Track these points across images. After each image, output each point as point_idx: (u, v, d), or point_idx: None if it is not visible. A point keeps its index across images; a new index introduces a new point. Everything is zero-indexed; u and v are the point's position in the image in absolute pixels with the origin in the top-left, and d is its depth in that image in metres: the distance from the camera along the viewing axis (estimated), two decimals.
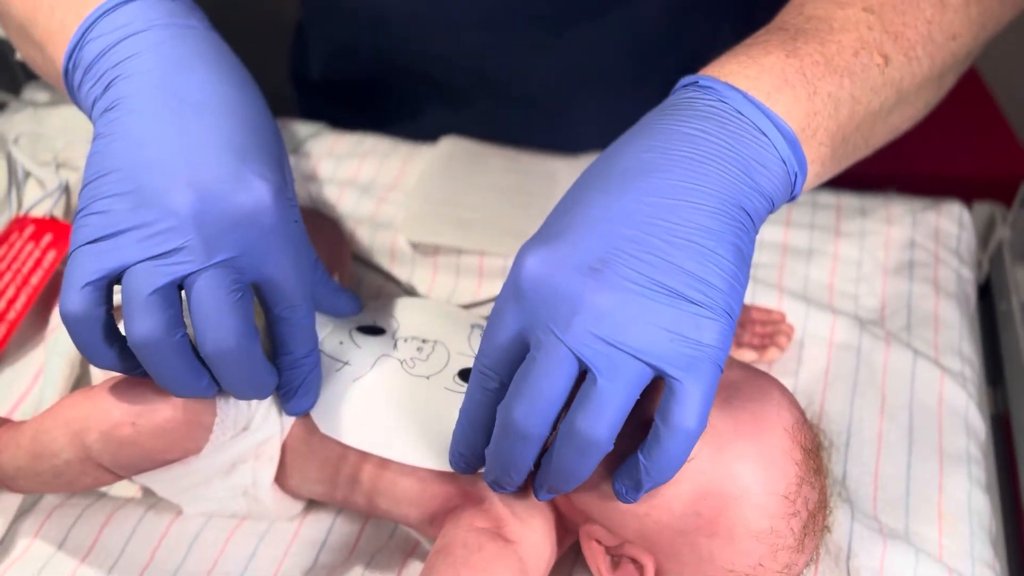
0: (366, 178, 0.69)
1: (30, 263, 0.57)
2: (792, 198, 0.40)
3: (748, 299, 0.57)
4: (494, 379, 0.37)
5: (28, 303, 0.55)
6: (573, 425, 0.34)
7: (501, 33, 0.67)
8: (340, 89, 0.80)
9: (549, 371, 0.34)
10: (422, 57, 0.72)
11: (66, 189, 0.64)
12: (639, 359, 0.34)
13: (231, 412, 0.42)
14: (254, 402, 0.43)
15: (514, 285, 0.36)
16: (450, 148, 0.70)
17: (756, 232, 0.38)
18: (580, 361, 0.34)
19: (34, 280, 0.57)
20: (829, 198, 0.66)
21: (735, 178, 0.37)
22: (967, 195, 0.69)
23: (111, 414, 0.40)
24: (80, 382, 0.52)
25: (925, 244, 0.62)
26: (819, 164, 0.41)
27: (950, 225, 0.64)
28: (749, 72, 0.39)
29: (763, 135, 0.38)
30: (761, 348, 0.53)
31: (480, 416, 0.38)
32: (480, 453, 0.39)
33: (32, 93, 0.76)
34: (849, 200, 0.66)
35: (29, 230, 0.59)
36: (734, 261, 0.35)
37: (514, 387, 0.35)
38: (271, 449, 0.44)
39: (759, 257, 0.62)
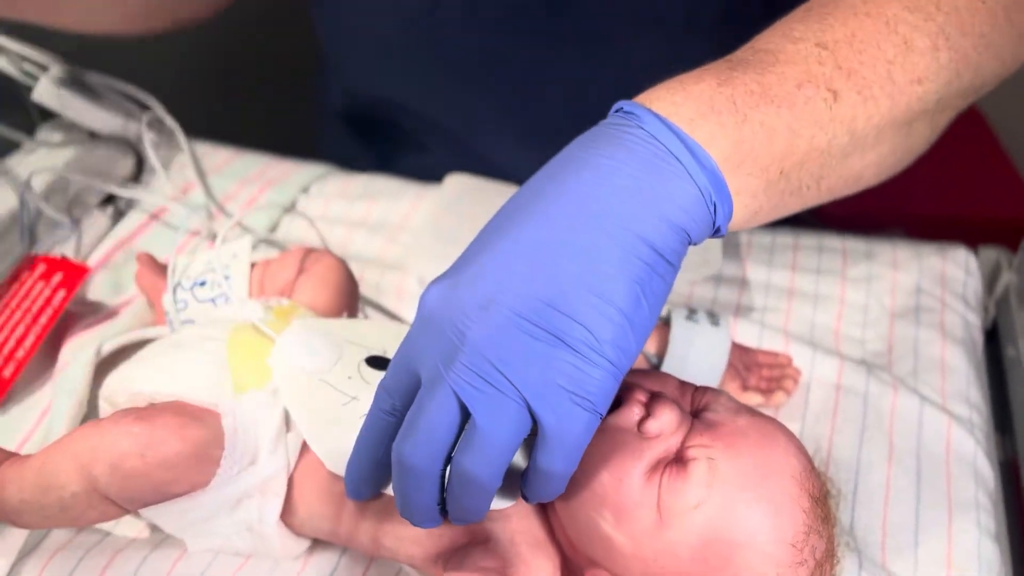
0: (375, 219, 0.69)
1: (40, 302, 0.58)
2: (717, 231, 0.38)
3: (755, 343, 0.57)
4: (388, 404, 0.37)
5: (36, 342, 0.56)
6: (458, 464, 0.34)
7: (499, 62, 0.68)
8: (356, 119, 0.81)
9: (433, 408, 0.34)
10: (428, 90, 0.73)
11: (78, 229, 0.65)
12: (515, 401, 0.34)
13: (239, 446, 0.42)
14: (261, 436, 0.43)
15: (417, 316, 0.36)
16: (456, 186, 0.70)
17: (674, 266, 0.36)
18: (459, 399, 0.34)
19: (43, 319, 0.57)
20: (835, 242, 0.66)
21: (639, 209, 0.35)
22: (972, 237, 0.69)
23: (119, 445, 0.40)
24: (87, 420, 0.52)
25: (931, 290, 0.62)
26: (749, 196, 0.39)
27: (956, 271, 0.64)
28: (675, 98, 0.38)
29: (677, 162, 0.36)
30: (767, 392, 0.53)
31: (372, 440, 0.38)
32: (370, 480, 0.39)
33: (47, 134, 0.77)
34: (855, 244, 0.66)
35: (40, 269, 0.60)
36: (629, 303, 0.34)
37: (406, 421, 0.36)
38: (278, 484, 0.44)
39: (766, 300, 0.62)
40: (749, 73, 0.39)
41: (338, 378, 0.44)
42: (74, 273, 0.60)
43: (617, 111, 0.39)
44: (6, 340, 0.56)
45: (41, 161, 0.73)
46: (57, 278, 0.59)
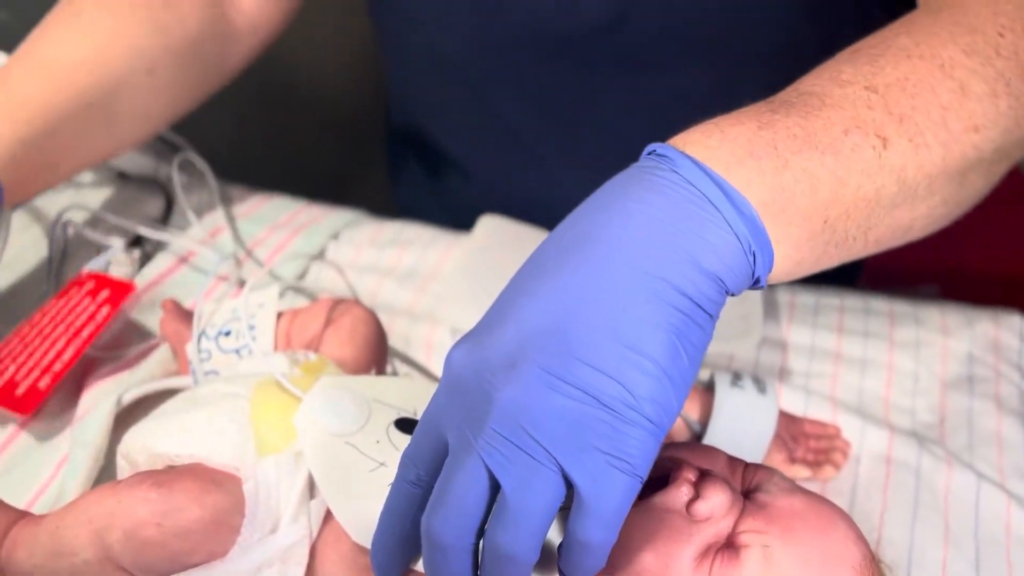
0: (406, 267, 0.67)
1: (83, 317, 0.57)
2: (756, 282, 0.36)
3: (800, 410, 0.55)
4: (413, 474, 0.34)
5: (75, 356, 0.55)
6: (491, 538, 0.32)
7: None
8: (410, 140, 0.80)
9: (462, 478, 0.32)
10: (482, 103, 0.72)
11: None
12: (548, 467, 0.31)
13: (260, 513, 0.40)
14: (283, 502, 0.41)
15: (443, 379, 0.34)
16: (489, 229, 0.69)
17: (712, 316, 0.33)
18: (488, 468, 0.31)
19: (84, 333, 0.56)
20: (881, 304, 0.64)
21: (673, 256, 0.33)
22: (1011, 297, 0.66)
23: (136, 512, 0.38)
24: (104, 474, 0.51)
25: (984, 357, 0.60)
26: (791, 246, 0.36)
27: (1010, 337, 0.61)
28: (711, 141, 0.36)
29: (713, 208, 0.34)
30: (816, 465, 0.51)
31: (399, 513, 0.35)
32: (398, 556, 0.36)
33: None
34: (902, 307, 0.63)
35: (88, 286, 0.59)
36: (665, 355, 0.31)
37: (434, 493, 0.33)
38: (299, 554, 0.41)
39: (810, 364, 0.59)
40: (792, 116, 0.37)
41: (365, 442, 0.42)
42: (120, 290, 0.59)
43: (650, 153, 0.37)
44: (46, 352, 0.55)
45: (70, 200, 0.72)
46: (104, 294, 0.59)
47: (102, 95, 0.59)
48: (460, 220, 0.74)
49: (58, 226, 0.67)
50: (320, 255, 0.68)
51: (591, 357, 0.31)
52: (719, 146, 0.35)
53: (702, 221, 0.33)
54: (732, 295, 0.35)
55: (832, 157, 0.37)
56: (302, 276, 0.66)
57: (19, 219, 0.68)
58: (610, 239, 0.33)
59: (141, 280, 0.66)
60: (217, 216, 0.71)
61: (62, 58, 0.59)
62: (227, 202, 0.73)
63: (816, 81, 0.40)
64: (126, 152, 0.67)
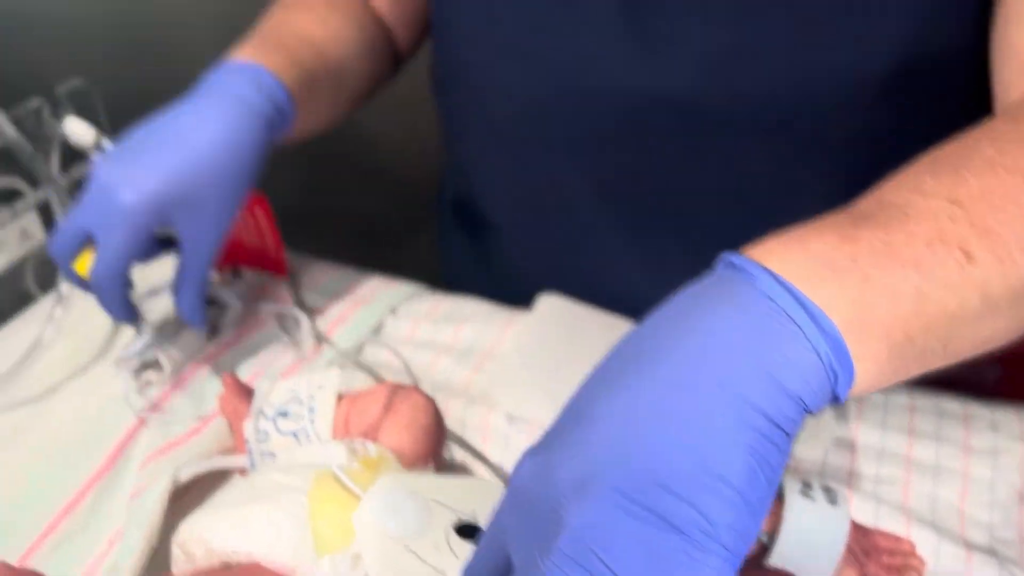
0: (463, 345, 0.67)
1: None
2: (836, 399, 0.34)
3: (871, 520, 0.52)
4: None
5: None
6: None
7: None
8: (466, 212, 0.80)
9: None
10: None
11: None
12: None
13: None
14: None
15: (509, 492, 0.33)
16: (548, 310, 0.68)
17: (790, 436, 0.32)
18: None
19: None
20: (955, 406, 0.61)
21: (753, 375, 0.32)
22: None
23: None
24: (156, 555, 0.50)
25: None
26: (871, 362, 0.35)
27: None
28: (791, 255, 0.35)
29: (795, 326, 0.33)
30: None
31: None
32: None
33: None
34: (978, 410, 0.61)
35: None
36: (744, 479, 0.30)
37: None
38: None
39: (880, 469, 0.57)
40: (875, 229, 0.37)
41: (425, 548, 0.41)
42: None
43: (727, 265, 0.36)
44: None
45: (139, 270, 0.73)
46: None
47: (337, 68, 0.69)
48: (509, 293, 0.73)
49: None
50: (378, 330, 0.68)
51: (668, 480, 0.30)
52: (800, 260, 0.35)
53: (784, 339, 0.33)
54: (811, 414, 0.34)
55: (915, 271, 0.36)
56: (360, 350, 0.66)
57: None
58: (689, 355, 0.32)
59: (205, 349, 0.66)
60: (282, 286, 0.71)
61: (312, 34, 0.69)
62: (294, 271, 0.73)
63: (898, 191, 0.39)
64: (329, 125, 0.73)
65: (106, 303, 0.59)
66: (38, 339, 0.64)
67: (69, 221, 0.57)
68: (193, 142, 0.58)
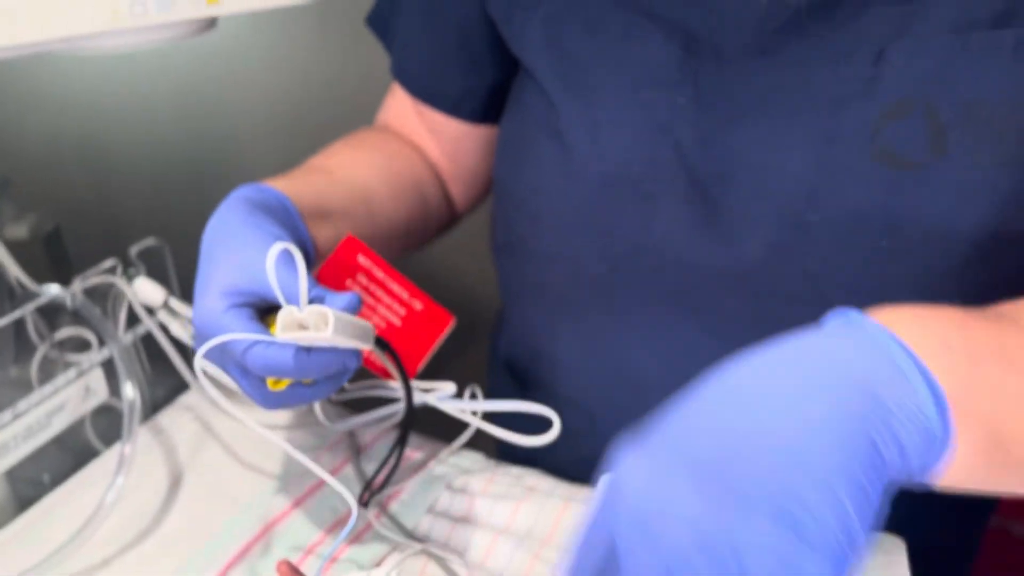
0: (522, 526, 0.65)
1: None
2: (923, 475, 0.35)
3: None
4: None
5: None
6: None
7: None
8: (520, 377, 0.80)
9: None
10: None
11: None
12: None
13: None
14: None
15: (610, 490, 0.33)
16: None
17: (886, 486, 0.32)
18: None
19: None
20: None
21: (867, 406, 0.32)
22: None
23: None
24: None
25: None
26: (970, 446, 0.35)
27: None
28: (905, 322, 0.36)
29: (906, 379, 0.34)
30: None
31: None
32: None
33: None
34: None
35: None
36: (854, 503, 0.31)
37: None
38: None
39: None
40: (989, 328, 0.38)
41: None
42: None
43: (839, 316, 0.37)
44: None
45: (189, 425, 0.74)
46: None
47: (359, 192, 0.71)
48: (564, 463, 0.72)
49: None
50: (434, 507, 0.67)
51: (785, 479, 0.31)
52: (915, 329, 0.36)
53: (896, 387, 0.33)
54: (901, 479, 0.34)
55: (1020, 378, 0.36)
56: (415, 528, 0.65)
57: None
58: (804, 374, 0.33)
59: (267, 513, 0.65)
60: (338, 452, 0.71)
61: (325, 164, 0.72)
62: (356, 439, 0.73)
63: (1011, 307, 0.41)
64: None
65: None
66: (99, 504, 0.64)
67: None
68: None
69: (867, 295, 0.56)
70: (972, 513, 0.73)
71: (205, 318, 0.51)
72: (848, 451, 0.31)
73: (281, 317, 0.48)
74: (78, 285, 0.69)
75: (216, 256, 0.53)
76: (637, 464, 0.33)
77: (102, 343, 0.71)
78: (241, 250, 0.52)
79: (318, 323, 0.47)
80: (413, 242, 0.79)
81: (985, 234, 0.54)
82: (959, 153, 0.53)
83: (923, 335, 0.35)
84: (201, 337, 0.52)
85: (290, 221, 0.60)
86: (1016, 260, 0.56)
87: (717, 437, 0.33)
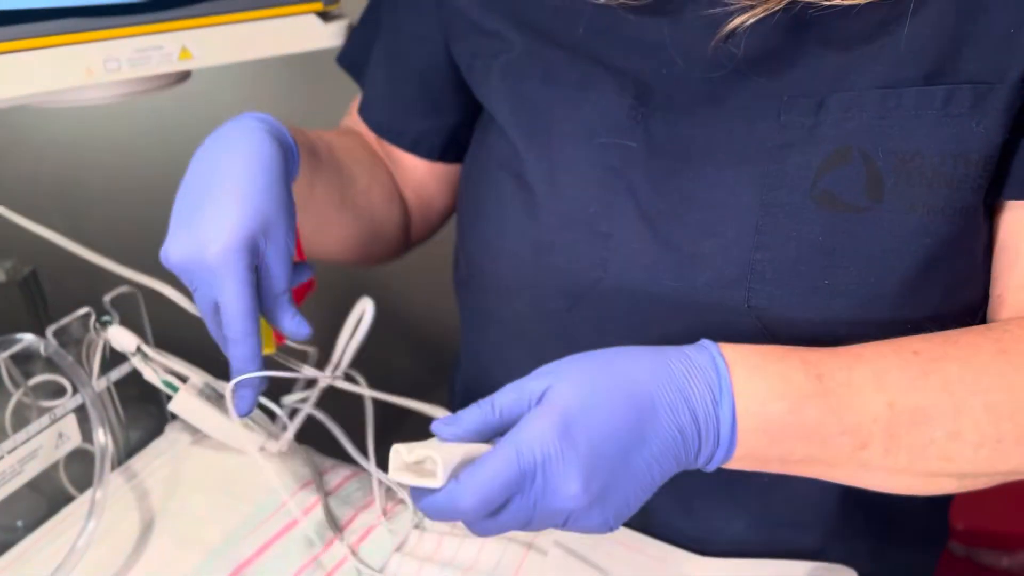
0: (487, 565, 0.67)
1: None
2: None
3: None
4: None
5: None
6: None
7: None
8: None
9: None
10: None
11: None
12: None
13: None
14: None
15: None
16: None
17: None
18: None
19: None
20: None
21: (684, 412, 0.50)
22: None
23: None
24: None
25: None
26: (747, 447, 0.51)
27: None
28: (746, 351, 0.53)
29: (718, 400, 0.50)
30: None
31: None
32: None
33: (176, 434, 0.79)
34: None
35: None
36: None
37: None
38: None
39: None
40: (827, 396, 0.51)
41: None
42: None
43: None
44: None
45: (161, 469, 0.75)
46: None
47: (344, 166, 0.74)
48: None
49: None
50: (401, 546, 0.68)
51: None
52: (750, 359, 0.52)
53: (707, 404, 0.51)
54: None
55: (819, 447, 0.51)
56: (383, 567, 0.66)
57: None
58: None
59: (237, 556, 0.66)
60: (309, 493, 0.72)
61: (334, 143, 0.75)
62: (322, 480, 0.74)
63: (864, 374, 0.52)
64: (334, 247, 0.78)
65: (239, 359, 0.56)
66: (71, 549, 0.64)
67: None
68: (236, 163, 0.57)
69: (808, 326, 0.59)
70: (927, 543, 0.75)
71: (211, 259, 0.54)
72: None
73: (393, 459, 0.49)
74: (51, 333, 0.70)
75: (229, 190, 0.55)
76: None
77: (76, 389, 0.73)
78: (264, 206, 0.55)
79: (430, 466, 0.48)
80: (368, 244, 0.80)
81: (918, 274, 0.57)
82: (894, 199, 0.56)
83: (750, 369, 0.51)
84: (193, 275, 0.55)
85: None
86: (947, 292, 0.59)
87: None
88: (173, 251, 0.54)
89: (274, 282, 0.56)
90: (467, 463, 0.48)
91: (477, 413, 0.50)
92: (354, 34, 0.82)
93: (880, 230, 0.56)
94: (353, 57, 0.83)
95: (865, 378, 0.51)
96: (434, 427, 0.51)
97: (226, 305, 0.54)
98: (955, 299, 0.60)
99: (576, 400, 0.48)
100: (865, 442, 0.51)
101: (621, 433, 0.48)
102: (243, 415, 0.58)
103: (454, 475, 0.48)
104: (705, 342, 0.53)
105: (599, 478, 0.48)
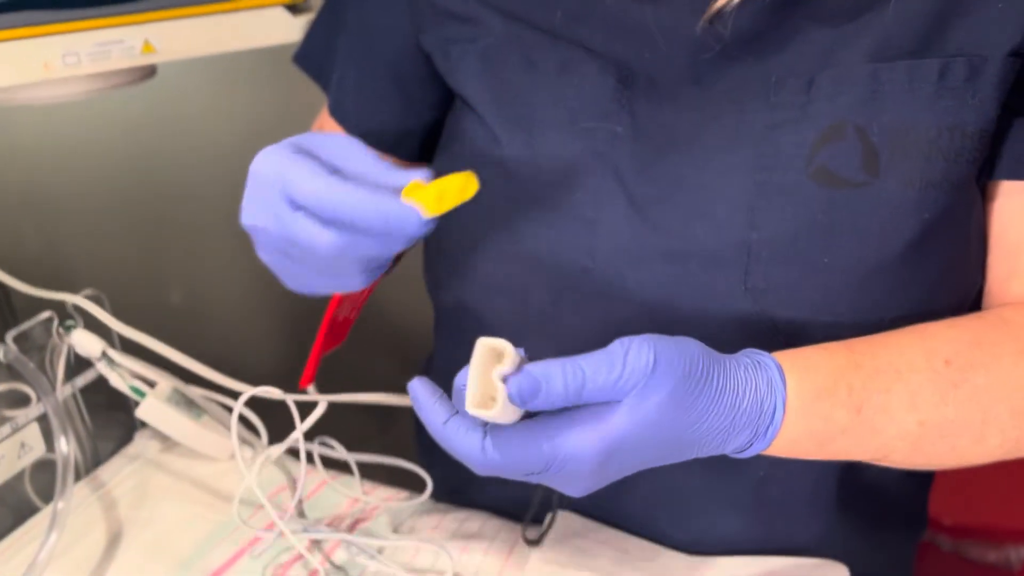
0: (467, 569, 0.65)
1: None
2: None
3: None
4: None
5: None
6: None
7: None
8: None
9: None
10: None
11: None
12: None
13: None
14: None
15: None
16: (559, 529, 0.66)
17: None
18: None
19: None
20: None
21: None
22: None
23: None
24: None
25: None
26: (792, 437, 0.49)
27: None
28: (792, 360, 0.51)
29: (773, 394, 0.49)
30: None
31: None
32: None
33: (144, 442, 0.77)
34: None
35: None
36: None
37: None
38: None
39: None
40: (860, 427, 0.50)
41: None
42: None
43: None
44: None
45: (130, 478, 0.72)
46: None
47: None
48: (502, 502, 0.72)
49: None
50: (379, 551, 0.66)
51: None
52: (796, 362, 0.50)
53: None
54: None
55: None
56: (360, 575, 0.64)
57: None
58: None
59: (208, 566, 0.64)
60: (284, 496, 0.70)
61: None
62: (296, 483, 0.72)
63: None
64: None
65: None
66: (32, 563, 0.62)
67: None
68: None
69: (808, 308, 0.58)
70: (910, 529, 0.75)
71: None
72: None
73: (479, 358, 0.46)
74: (12, 338, 0.68)
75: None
76: None
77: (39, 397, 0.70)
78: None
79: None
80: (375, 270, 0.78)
81: (916, 249, 0.56)
82: (890, 174, 0.55)
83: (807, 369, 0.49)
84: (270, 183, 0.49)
85: None
86: (945, 269, 0.58)
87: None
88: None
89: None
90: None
91: (558, 399, 0.46)
92: (312, 33, 0.79)
93: (878, 205, 0.55)
94: (313, 57, 0.79)
95: (900, 400, 0.51)
96: (513, 386, 0.45)
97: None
98: (952, 276, 0.59)
99: (632, 433, 0.46)
100: (887, 455, 0.52)
101: (646, 461, 0.48)
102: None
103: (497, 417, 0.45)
104: (772, 368, 0.50)
105: (603, 483, 0.48)
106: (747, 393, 0.48)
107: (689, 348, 0.47)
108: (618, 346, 0.47)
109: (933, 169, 0.55)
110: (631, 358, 0.46)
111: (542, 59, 0.63)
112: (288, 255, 0.51)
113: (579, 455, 0.46)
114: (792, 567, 0.65)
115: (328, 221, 0.48)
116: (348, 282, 0.54)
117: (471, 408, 0.44)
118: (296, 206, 0.48)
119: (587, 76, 0.62)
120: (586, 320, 0.64)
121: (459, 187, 0.48)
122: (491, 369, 0.45)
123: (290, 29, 0.78)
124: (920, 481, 0.73)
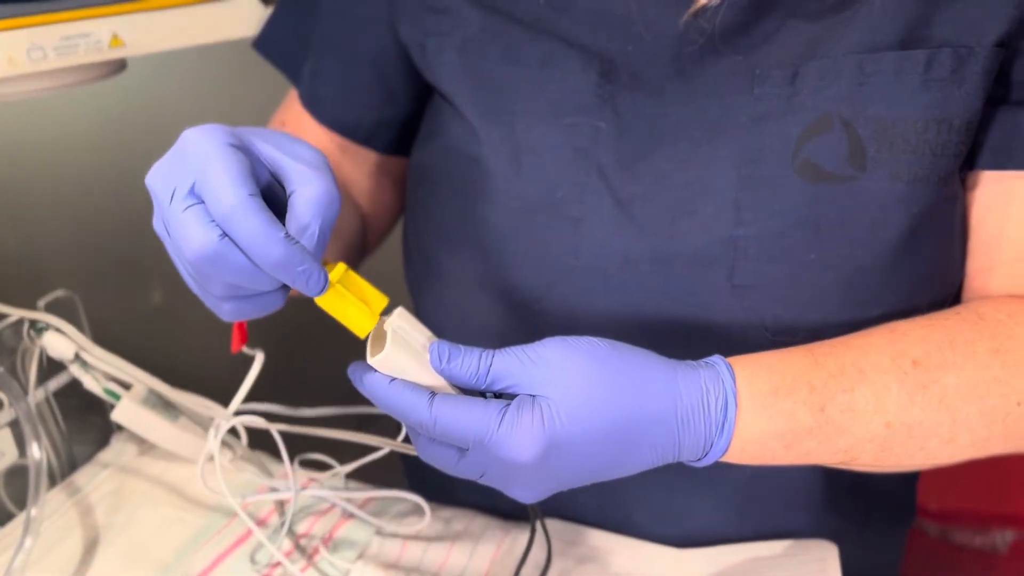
0: (454, 571, 0.64)
1: None
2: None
3: None
4: None
5: None
6: None
7: None
8: None
9: None
10: None
11: None
12: None
13: None
14: None
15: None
16: (550, 532, 0.65)
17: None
18: None
19: None
20: None
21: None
22: None
23: None
24: None
25: None
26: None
27: None
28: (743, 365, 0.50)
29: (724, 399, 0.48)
30: None
31: None
32: None
33: (121, 446, 0.75)
34: None
35: None
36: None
37: None
38: None
39: None
40: (826, 427, 0.50)
41: None
42: None
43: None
44: None
45: (106, 483, 0.71)
46: None
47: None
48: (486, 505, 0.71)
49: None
50: (364, 553, 0.65)
51: None
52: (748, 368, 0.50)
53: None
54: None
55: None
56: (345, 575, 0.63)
57: None
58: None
59: (188, 571, 0.63)
60: (262, 501, 0.69)
61: None
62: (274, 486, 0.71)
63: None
64: None
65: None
66: (7, 571, 0.60)
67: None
68: None
69: (796, 306, 0.57)
70: (900, 519, 0.75)
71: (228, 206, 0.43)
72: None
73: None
74: None
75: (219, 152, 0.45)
76: None
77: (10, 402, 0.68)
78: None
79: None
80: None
81: (904, 245, 0.55)
82: (877, 168, 0.54)
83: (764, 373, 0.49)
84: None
85: None
86: (930, 264, 0.58)
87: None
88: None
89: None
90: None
91: (471, 370, 0.48)
92: (275, 19, 0.76)
93: (865, 199, 0.54)
94: (276, 43, 0.77)
95: (866, 400, 0.50)
96: (434, 348, 0.48)
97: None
98: (938, 270, 0.58)
99: (566, 430, 0.45)
100: (856, 457, 0.51)
101: (596, 466, 0.47)
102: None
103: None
104: (720, 365, 0.49)
105: (553, 488, 0.48)
106: (689, 387, 0.47)
107: (600, 345, 0.48)
108: (537, 343, 0.48)
109: (920, 163, 0.54)
110: (545, 348, 0.47)
111: (523, 52, 0.62)
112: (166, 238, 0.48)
113: (514, 451, 0.45)
114: (781, 549, 0.65)
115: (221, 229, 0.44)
116: (211, 299, 0.49)
117: (370, 358, 0.47)
118: (198, 198, 0.45)
119: (569, 70, 0.61)
120: (571, 319, 0.63)
121: (366, 307, 0.48)
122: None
123: (262, 20, 0.76)
124: (907, 471, 0.73)
